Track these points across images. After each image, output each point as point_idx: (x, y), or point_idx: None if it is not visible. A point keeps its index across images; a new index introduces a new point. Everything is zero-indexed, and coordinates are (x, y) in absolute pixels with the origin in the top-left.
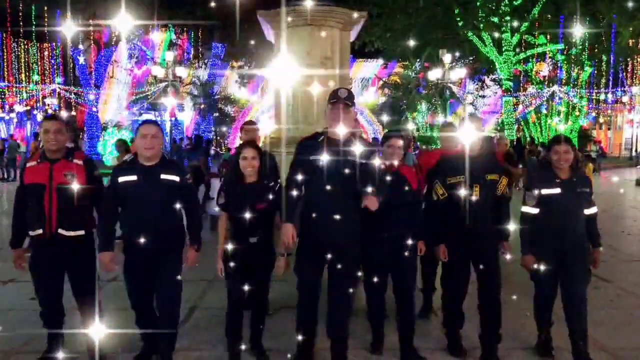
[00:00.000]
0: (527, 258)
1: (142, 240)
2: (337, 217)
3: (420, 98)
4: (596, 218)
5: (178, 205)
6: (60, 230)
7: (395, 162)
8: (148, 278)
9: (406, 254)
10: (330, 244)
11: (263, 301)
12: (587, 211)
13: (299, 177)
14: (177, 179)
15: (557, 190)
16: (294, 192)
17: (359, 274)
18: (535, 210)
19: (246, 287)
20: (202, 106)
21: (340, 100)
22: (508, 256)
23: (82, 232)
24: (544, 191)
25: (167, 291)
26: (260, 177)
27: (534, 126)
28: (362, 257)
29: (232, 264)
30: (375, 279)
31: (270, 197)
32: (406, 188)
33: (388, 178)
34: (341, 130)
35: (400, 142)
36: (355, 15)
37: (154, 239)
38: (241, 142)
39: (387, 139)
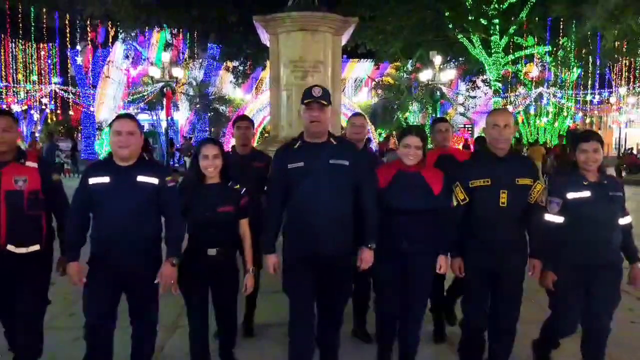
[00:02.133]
0: (548, 274)
1: (113, 251)
2: (325, 226)
3: (411, 99)
4: (631, 229)
5: (156, 212)
6: (9, 247)
7: (411, 163)
8: (115, 298)
9: (424, 271)
10: (317, 257)
11: (232, 328)
12: (621, 220)
13: (279, 194)
14: (155, 181)
15: (587, 194)
16: (274, 214)
17: (351, 288)
18: (559, 219)
19: (209, 309)
20: (198, 106)
21: (315, 99)
22: (531, 274)
23: (36, 247)
24: (571, 195)
25: (140, 322)
26: (223, 178)
27: (522, 126)
28: (374, 273)
29: (188, 281)
30: (388, 299)
31: (236, 201)
32: (427, 193)
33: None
34: (318, 132)
35: (418, 141)
36: (347, 20)
37: (127, 250)
38: (235, 139)
39: (402, 137)
